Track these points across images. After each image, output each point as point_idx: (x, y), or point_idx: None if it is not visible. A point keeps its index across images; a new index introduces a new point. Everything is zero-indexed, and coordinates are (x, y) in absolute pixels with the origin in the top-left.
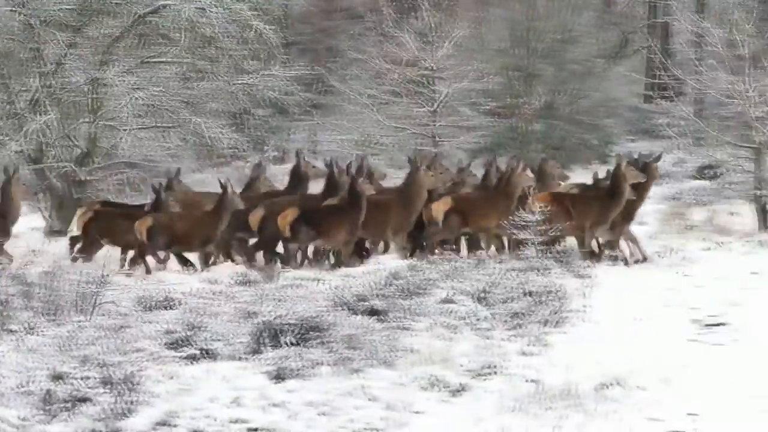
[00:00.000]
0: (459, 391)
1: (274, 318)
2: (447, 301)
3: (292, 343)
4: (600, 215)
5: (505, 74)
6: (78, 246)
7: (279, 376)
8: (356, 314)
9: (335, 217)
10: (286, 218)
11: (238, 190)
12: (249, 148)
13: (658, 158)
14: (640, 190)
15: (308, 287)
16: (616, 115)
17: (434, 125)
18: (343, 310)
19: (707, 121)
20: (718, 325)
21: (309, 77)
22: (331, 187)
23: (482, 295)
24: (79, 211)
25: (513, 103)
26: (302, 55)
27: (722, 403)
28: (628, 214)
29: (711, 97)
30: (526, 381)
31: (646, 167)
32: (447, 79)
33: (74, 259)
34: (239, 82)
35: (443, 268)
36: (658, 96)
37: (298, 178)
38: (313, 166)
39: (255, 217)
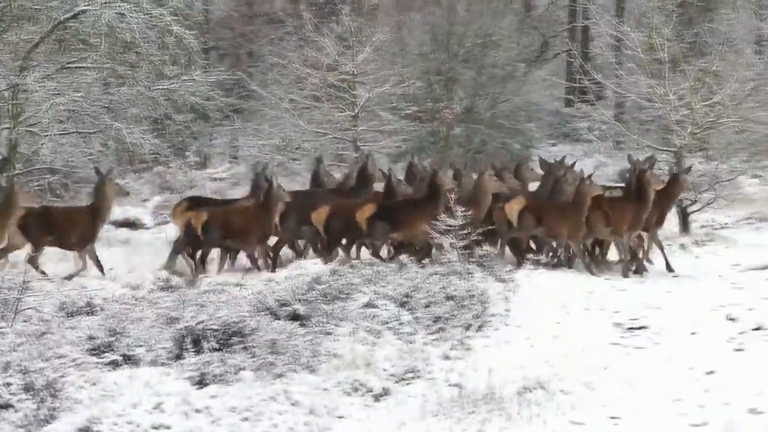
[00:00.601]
0: (382, 395)
1: (197, 323)
2: (369, 305)
3: (214, 349)
4: (634, 220)
5: (425, 78)
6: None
7: (201, 382)
8: (279, 319)
9: (413, 211)
10: (364, 213)
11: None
12: (170, 153)
13: (688, 170)
14: (668, 198)
15: (230, 292)
16: (537, 119)
17: (355, 130)
18: (265, 315)
19: (627, 125)
20: (639, 328)
21: (229, 82)
22: (390, 190)
23: (405, 299)
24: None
25: (434, 108)
26: (223, 59)
27: (644, 407)
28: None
29: (631, 101)
30: (449, 385)
31: (674, 179)
32: (368, 83)
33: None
34: (160, 87)
35: (365, 272)
36: (579, 100)
37: (365, 179)
38: (380, 169)
39: (320, 215)
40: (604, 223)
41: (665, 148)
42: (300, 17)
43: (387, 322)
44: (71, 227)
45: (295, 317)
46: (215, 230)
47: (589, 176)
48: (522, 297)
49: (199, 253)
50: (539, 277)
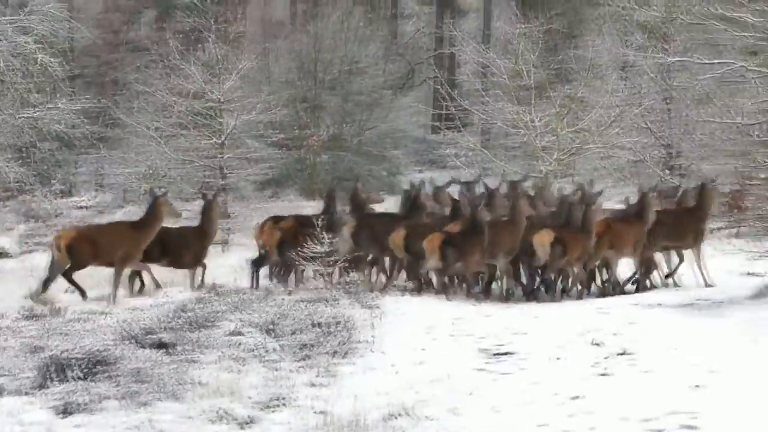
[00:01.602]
0: (247, 423)
1: (61, 352)
2: (235, 333)
3: (78, 378)
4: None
5: (292, 106)
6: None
7: (66, 411)
8: (144, 347)
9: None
10: (433, 242)
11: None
12: (35, 181)
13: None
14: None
15: (95, 321)
16: (403, 146)
17: (221, 157)
18: (130, 343)
19: (494, 151)
20: (505, 354)
21: (95, 110)
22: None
23: (270, 326)
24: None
25: (300, 135)
26: (88, 88)
27: None
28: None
29: (497, 127)
30: (315, 412)
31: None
32: (234, 111)
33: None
34: (24, 115)
35: (231, 300)
36: (445, 127)
37: (417, 207)
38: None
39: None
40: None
41: (532, 174)
42: (166, 45)
43: (253, 350)
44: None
45: (160, 345)
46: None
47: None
48: (388, 323)
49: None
50: (405, 303)
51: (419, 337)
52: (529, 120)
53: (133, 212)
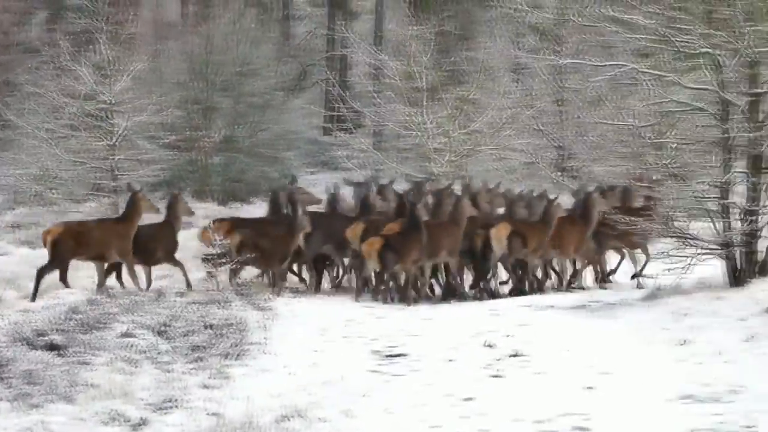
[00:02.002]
0: (140, 425)
1: None
2: (127, 335)
3: None
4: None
5: (184, 107)
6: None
7: None
8: (35, 349)
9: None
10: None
11: None
12: None
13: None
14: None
15: None
16: (296, 148)
17: (113, 159)
18: (22, 345)
19: (386, 153)
20: (398, 355)
21: None
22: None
23: (163, 328)
24: None
25: (193, 136)
26: None
27: None
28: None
29: (389, 129)
30: (208, 414)
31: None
32: (126, 112)
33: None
34: None
35: (123, 302)
36: (337, 128)
37: (367, 205)
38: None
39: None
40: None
41: (424, 176)
42: (57, 46)
43: (145, 352)
44: None
45: (52, 347)
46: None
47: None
48: (281, 325)
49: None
50: (298, 305)
51: (312, 338)
52: (421, 122)
53: (24, 214)
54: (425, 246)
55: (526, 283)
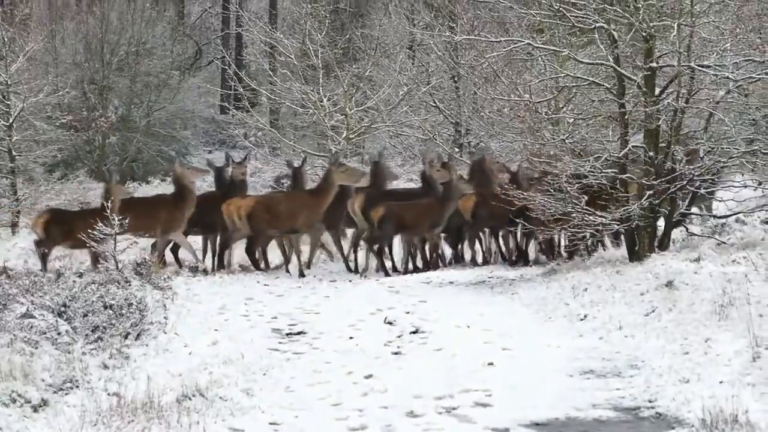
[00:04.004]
0: (41, 406)
1: None
2: (27, 315)
3: None
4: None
5: (80, 87)
6: None
7: None
8: None
9: None
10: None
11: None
12: None
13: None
14: None
15: None
16: (192, 127)
17: (10, 140)
18: None
19: (283, 131)
20: (298, 333)
21: None
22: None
23: (62, 309)
24: None
25: (89, 117)
26: None
27: (303, 413)
28: None
29: (286, 107)
30: (108, 394)
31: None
32: (22, 93)
33: None
34: None
35: (22, 282)
36: (234, 107)
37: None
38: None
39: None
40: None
41: (321, 154)
42: None
43: (45, 332)
44: None
45: None
46: None
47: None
48: (180, 305)
49: None
50: (197, 284)
51: (212, 318)
52: (318, 100)
53: None
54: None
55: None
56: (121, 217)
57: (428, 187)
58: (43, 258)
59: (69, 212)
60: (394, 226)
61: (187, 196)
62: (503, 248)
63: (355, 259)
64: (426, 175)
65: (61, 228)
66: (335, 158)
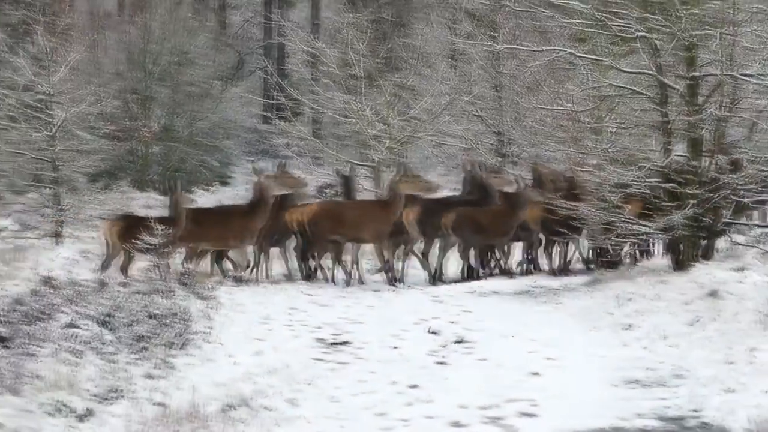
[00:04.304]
0: (86, 416)
1: None
2: (71, 325)
3: None
4: None
5: (122, 97)
6: None
7: None
8: None
9: None
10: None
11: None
12: None
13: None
14: None
15: None
16: (235, 137)
17: (53, 150)
18: None
19: (325, 141)
20: (342, 343)
21: None
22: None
23: (106, 318)
24: None
25: (131, 126)
26: None
27: (347, 422)
28: None
29: (328, 116)
30: (153, 404)
31: None
32: (64, 103)
33: None
34: None
35: (66, 292)
36: (276, 117)
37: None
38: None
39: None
40: None
41: (363, 163)
42: None
43: (89, 342)
44: None
45: None
46: None
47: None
48: (224, 314)
49: None
50: (241, 294)
51: (256, 327)
52: (360, 109)
53: None
54: None
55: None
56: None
57: (480, 194)
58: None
59: (142, 218)
60: (471, 232)
61: (264, 207)
62: (557, 258)
63: (402, 269)
64: (479, 181)
65: (133, 234)
66: (403, 168)
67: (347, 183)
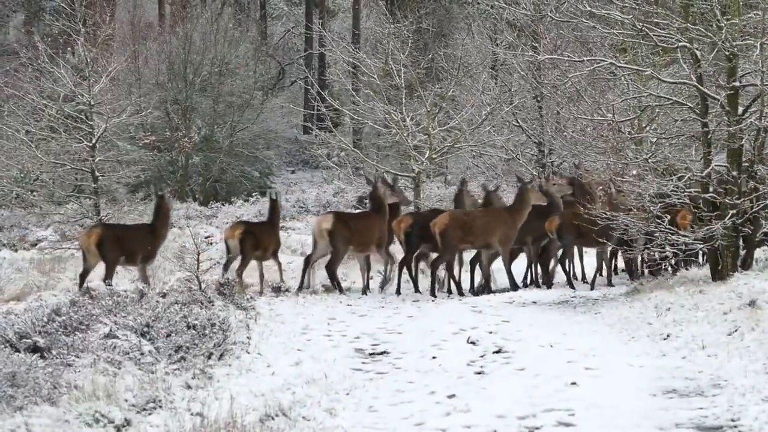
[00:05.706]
0: (124, 426)
1: None
2: (110, 336)
3: None
4: None
5: (163, 108)
6: None
7: None
8: (18, 351)
9: None
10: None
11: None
12: None
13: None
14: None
15: None
16: (276, 147)
17: (93, 160)
18: (5, 347)
19: (366, 151)
20: (381, 353)
21: None
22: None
23: (145, 329)
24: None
25: (172, 137)
26: None
27: (384, 431)
28: None
29: (369, 127)
30: (192, 414)
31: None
32: (105, 113)
33: None
34: None
35: (105, 303)
36: (317, 127)
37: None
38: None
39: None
40: None
41: (404, 174)
42: (35, 48)
43: (128, 353)
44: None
45: (35, 349)
46: None
47: None
48: (263, 325)
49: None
50: (280, 304)
51: (294, 338)
52: (401, 119)
53: (5, 216)
54: None
55: None
56: None
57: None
58: (226, 267)
59: (260, 224)
60: (574, 236)
61: (385, 214)
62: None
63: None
64: (544, 189)
65: (253, 240)
66: (529, 178)
67: (459, 195)
